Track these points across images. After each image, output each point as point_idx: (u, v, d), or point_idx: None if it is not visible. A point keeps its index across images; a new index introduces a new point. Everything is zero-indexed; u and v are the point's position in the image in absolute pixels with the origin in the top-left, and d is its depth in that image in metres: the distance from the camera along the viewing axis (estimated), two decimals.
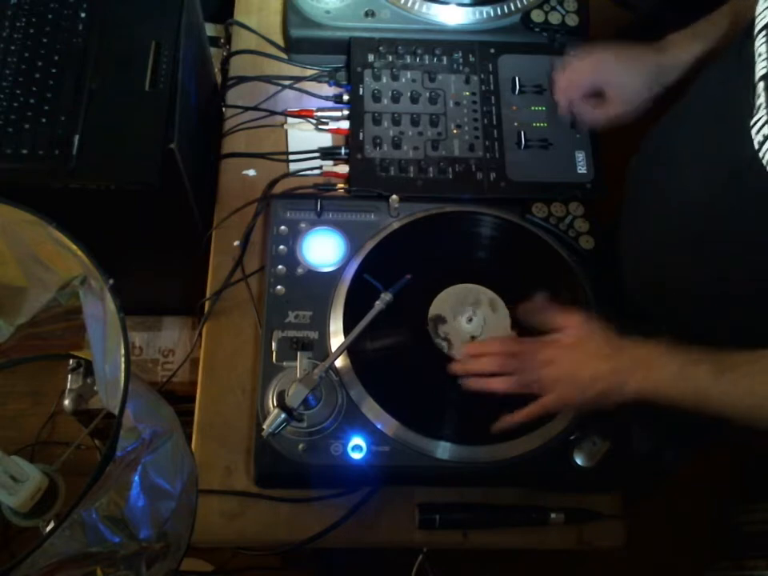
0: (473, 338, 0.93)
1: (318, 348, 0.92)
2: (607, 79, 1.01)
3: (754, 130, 0.71)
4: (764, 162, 0.69)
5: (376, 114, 1.09)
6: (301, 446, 0.87)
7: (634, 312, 0.95)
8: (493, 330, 0.94)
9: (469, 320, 0.94)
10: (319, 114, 1.14)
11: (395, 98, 1.10)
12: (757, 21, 0.73)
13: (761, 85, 0.71)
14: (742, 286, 0.81)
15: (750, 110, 0.71)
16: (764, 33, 0.72)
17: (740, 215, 0.77)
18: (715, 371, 0.74)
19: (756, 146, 0.70)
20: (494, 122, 1.11)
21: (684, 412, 0.76)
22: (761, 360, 0.73)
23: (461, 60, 1.14)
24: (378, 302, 0.89)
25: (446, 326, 0.93)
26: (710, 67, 0.86)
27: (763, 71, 0.70)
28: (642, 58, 0.98)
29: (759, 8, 0.73)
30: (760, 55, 0.71)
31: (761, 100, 0.70)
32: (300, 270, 0.98)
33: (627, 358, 0.80)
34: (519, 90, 1.12)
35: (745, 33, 0.76)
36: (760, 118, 0.70)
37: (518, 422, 0.85)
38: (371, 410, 0.89)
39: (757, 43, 0.72)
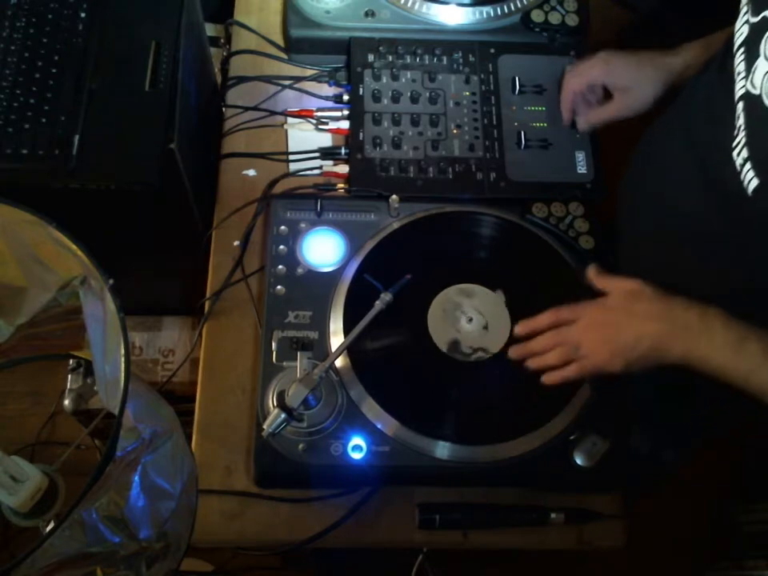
0: (485, 328, 0.93)
1: (318, 348, 0.92)
2: (614, 79, 1.00)
3: (735, 152, 0.70)
4: (744, 184, 0.69)
5: (376, 114, 1.09)
6: (301, 446, 0.87)
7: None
8: (488, 308, 0.95)
9: (469, 320, 0.94)
10: (319, 114, 1.14)
11: (395, 98, 1.10)
12: (735, 36, 0.73)
13: (740, 105, 0.70)
14: (742, 285, 0.81)
15: (732, 130, 0.71)
16: (742, 50, 0.71)
17: (733, 222, 0.77)
18: (764, 353, 0.73)
19: (738, 168, 0.70)
20: (494, 122, 1.11)
21: (721, 385, 0.75)
22: None
23: (461, 60, 1.14)
24: (377, 302, 0.90)
25: (463, 342, 0.93)
26: (698, 76, 0.86)
27: (742, 91, 0.70)
28: (651, 60, 0.98)
29: (738, 23, 0.73)
30: (739, 74, 0.71)
31: (740, 121, 0.70)
32: (300, 270, 0.98)
33: (675, 321, 0.79)
34: (519, 90, 1.12)
35: (726, 45, 0.76)
36: (740, 140, 0.70)
37: (561, 381, 0.85)
38: (371, 410, 0.89)
39: (736, 60, 0.72)
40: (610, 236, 1.01)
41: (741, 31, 0.72)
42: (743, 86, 0.70)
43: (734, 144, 0.71)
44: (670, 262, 0.89)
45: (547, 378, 0.86)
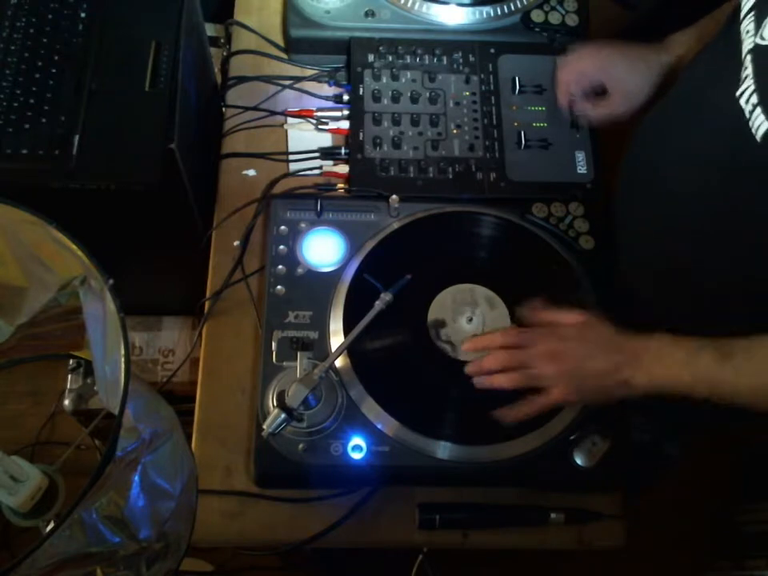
0: (474, 335, 0.93)
1: (318, 348, 0.92)
2: (610, 76, 1.01)
3: (742, 100, 0.71)
4: (753, 129, 0.70)
5: (376, 114, 1.09)
6: (301, 446, 0.87)
7: (635, 307, 0.95)
8: (493, 327, 0.94)
9: (469, 320, 0.94)
10: (319, 114, 1.14)
11: (395, 98, 1.10)
12: (743, 3, 0.74)
13: (748, 58, 0.71)
14: (741, 272, 0.81)
15: (736, 83, 0.72)
16: (752, 13, 0.72)
17: (737, 195, 0.77)
18: (719, 358, 0.75)
19: (747, 115, 0.71)
20: (494, 122, 1.11)
21: (692, 401, 0.76)
22: (759, 343, 0.74)
23: (461, 60, 1.14)
24: (377, 302, 0.89)
25: (447, 329, 0.93)
26: (698, 54, 0.86)
27: (750, 45, 0.71)
28: (645, 56, 0.98)
29: None
30: (747, 32, 0.72)
31: (748, 71, 0.71)
32: (300, 270, 0.98)
33: (632, 351, 0.80)
34: (519, 90, 1.12)
35: (731, 17, 0.77)
36: (747, 87, 0.71)
37: (518, 420, 0.86)
38: (371, 410, 0.89)
39: (744, 23, 0.73)
40: (609, 226, 1.01)
41: None
42: (752, 41, 0.71)
43: (740, 93, 0.72)
44: (669, 251, 0.89)
45: (506, 416, 0.86)
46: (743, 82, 0.71)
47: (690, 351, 0.77)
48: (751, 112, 0.70)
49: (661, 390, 0.79)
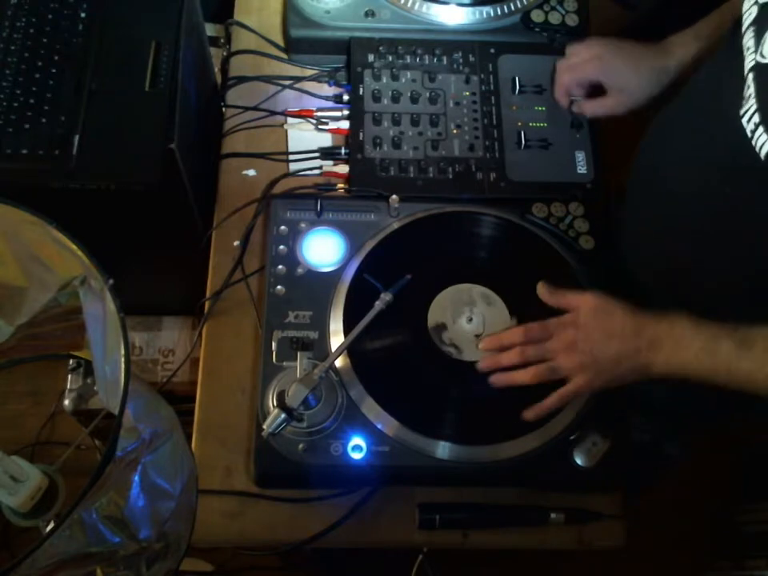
0: (477, 336, 0.93)
1: (318, 348, 0.92)
2: (608, 76, 1.01)
3: (744, 119, 0.72)
4: (756, 148, 0.70)
5: (376, 114, 1.09)
6: (301, 446, 0.87)
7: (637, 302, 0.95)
8: (493, 323, 0.94)
9: (469, 320, 0.94)
10: (319, 114, 1.14)
11: (395, 98, 1.10)
12: (744, 17, 0.75)
13: (750, 76, 0.72)
14: (741, 272, 0.82)
15: (739, 101, 0.73)
16: (752, 28, 0.73)
17: (737, 195, 0.78)
18: (739, 345, 0.75)
19: (749, 135, 0.71)
20: (494, 122, 1.11)
21: (710, 387, 0.76)
22: None
23: (461, 60, 1.14)
24: (377, 302, 0.90)
25: (449, 332, 0.93)
26: (703, 64, 0.87)
27: (752, 63, 0.72)
28: (643, 56, 0.98)
29: (746, 5, 0.74)
30: (748, 49, 0.73)
31: (750, 90, 0.71)
32: (300, 270, 0.98)
33: (650, 336, 0.80)
34: (519, 90, 1.12)
35: (733, 29, 0.77)
36: (750, 107, 0.71)
37: (545, 412, 0.86)
38: (371, 410, 0.89)
39: (745, 38, 0.73)
40: (609, 226, 1.01)
41: (749, 12, 0.74)
42: (753, 59, 0.72)
43: (743, 112, 0.72)
44: (669, 251, 0.89)
45: (529, 415, 0.87)
46: (746, 102, 0.72)
47: (710, 338, 0.76)
48: (753, 131, 0.71)
49: (678, 375, 0.78)
